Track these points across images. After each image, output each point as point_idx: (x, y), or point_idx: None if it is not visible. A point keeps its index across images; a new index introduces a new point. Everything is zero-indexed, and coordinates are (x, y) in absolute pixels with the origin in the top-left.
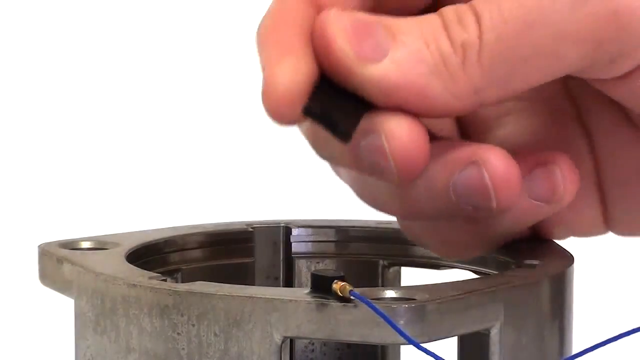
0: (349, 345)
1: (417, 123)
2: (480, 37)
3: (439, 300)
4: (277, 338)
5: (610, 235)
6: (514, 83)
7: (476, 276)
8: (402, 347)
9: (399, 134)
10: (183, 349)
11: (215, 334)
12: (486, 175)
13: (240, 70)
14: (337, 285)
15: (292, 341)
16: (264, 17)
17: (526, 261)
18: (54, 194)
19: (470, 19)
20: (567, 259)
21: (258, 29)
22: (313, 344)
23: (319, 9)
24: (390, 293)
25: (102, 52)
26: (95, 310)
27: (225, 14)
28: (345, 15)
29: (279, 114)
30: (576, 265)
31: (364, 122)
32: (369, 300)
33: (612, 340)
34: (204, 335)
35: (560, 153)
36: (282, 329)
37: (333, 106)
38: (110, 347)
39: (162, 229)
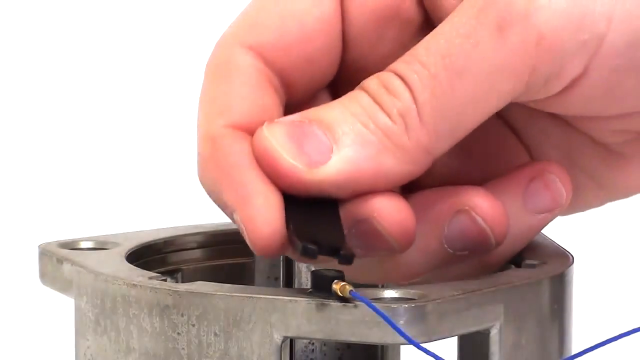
0: (349, 345)
1: (392, 193)
2: (414, 100)
3: (439, 300)
4: (277, 338)
5: (609, 235)
6: (460, 129)
7: None
8: (402, 347)
9: (388, 213)
10: (183, 349)
11: (215, 334)
12: (479, 219)
13: None
14: (337, 285)
15: (292, 341)
16: (202, 163)
17: (526, 261)
18: (54, 194)
19: (397, 85)
20: (567, 259)
21: (202, 176)
22: (313, 344)
23: (248, 131)
24: (390, 293)
25: (105, 52)
26: (95, 310)
27: (223, 14)
28: (277, 128)
29: (269, 251)
30: (576, 265)
31: (344, 215)
32: (369, 300)
33: (612, 340)
34: (204, 335)
35: (548, 161)
36: (282, 329)
37: (314, 227)
38: (110, 347)
39: (162, 229)
